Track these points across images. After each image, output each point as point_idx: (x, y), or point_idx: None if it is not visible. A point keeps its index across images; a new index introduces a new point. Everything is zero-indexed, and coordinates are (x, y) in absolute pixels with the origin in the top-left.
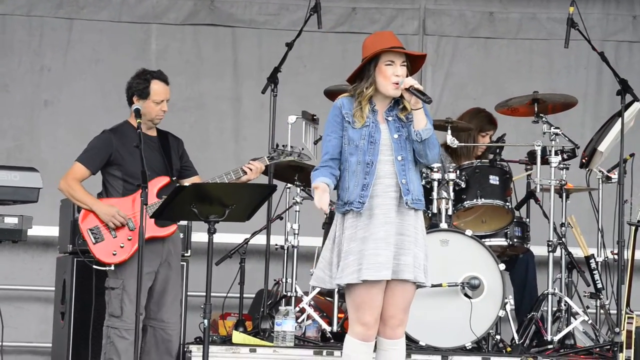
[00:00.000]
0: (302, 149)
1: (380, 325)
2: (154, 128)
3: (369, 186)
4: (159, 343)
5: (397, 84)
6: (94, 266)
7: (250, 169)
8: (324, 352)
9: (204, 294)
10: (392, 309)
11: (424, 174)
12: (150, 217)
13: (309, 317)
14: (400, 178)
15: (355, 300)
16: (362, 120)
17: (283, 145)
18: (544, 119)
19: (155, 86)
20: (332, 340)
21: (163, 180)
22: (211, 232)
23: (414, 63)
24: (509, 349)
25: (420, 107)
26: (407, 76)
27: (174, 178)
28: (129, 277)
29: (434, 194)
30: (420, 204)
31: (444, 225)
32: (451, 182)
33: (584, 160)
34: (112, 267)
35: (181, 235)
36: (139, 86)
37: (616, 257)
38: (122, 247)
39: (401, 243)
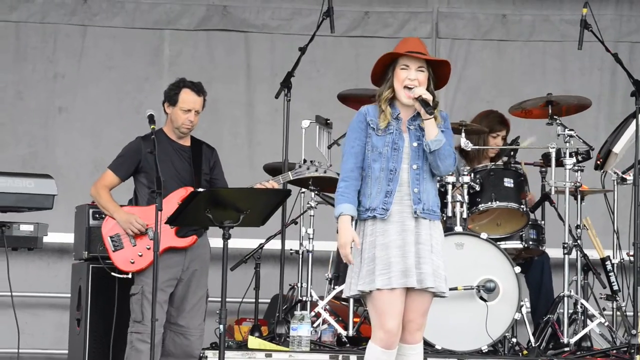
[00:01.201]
0: (330, 165)
1: None
2: (188, 138)
3: (392, 193)
4: (177, 347)
5: (406, 87)
6: (113, 273)
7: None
8: (340, 356)
9: (220, 299)
10: (411, 313)
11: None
12: (165, 222)
13: (324, 321)
14: (412, 187)
15: (377, 307)
16: (385, 122)
17: (311, 161)
18: (558, 121)
19: (185, 95)
20: (348, 345)
21: (188, 190)
22: (226, 237)
23: (440, 71)
24: (525, 352)
25: (429, 117)
26: (429, 83)
27: (200, 189)
28: (149, 282)
29: (449, 197)
30: (433, 215)
31: (458, 228)
32: (466, 185)
33: (598, 162)
34: (130, 276)
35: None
36: (170, 92)
37: (632, 258)
38: (140, 255)
39: (420, 252)
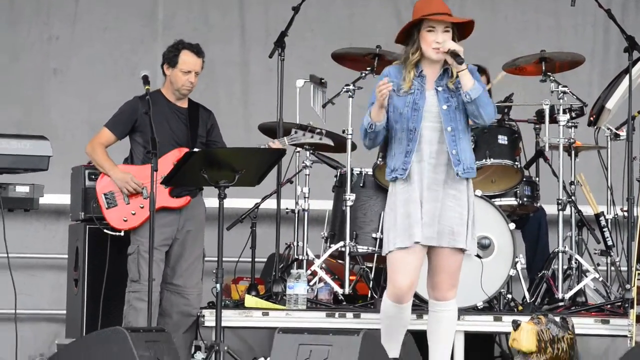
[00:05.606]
0: (325, 132)
1: (429, 288)
2: (185, 100)
3: (411, 153)
4: (174, 306)
5: (437, 49)
6: (105, 231)
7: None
8: (336, 314)
9: (216, 259)
10: (439, 274)
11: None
12: (161, 183)
13: (320, 279)
14: (450, 149)
15: (391, 263)
16: (408, 85)
17: (306, 127)
18: (551, 77)
19: (184, 56)
20: (344, 303)
21: (183, 151)
22: (221, 197)
23: (462, 29)
24: (520, 307)
25: (463, 68)
26: (454, 41)
27: (196, 150)
28: (144, 241)
29: None
30: (472, 172)
31: None
32: None
33: (591, 118)
34: (122, 234)
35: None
36: (169, 54)
37: (626, 214)
38: (133, 214)
39: (444, 211)
